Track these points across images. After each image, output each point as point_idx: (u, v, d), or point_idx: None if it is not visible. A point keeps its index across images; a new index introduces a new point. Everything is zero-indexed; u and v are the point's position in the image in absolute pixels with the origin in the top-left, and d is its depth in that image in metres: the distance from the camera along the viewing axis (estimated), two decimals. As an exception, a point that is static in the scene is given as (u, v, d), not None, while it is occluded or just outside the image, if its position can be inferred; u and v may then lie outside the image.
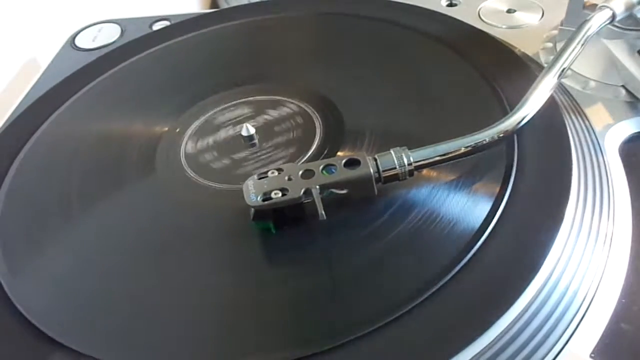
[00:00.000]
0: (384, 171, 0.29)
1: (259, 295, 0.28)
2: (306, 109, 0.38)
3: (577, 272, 0.28)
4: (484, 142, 0.30)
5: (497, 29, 0.46)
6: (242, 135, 0.36)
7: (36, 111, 0.43)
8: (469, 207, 0.30)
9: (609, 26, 0.37)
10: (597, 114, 0.37)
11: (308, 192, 0.29)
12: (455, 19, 0.44)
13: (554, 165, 0.31)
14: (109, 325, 0.28)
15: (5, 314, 0.29)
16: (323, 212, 0.28)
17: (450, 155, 0.30)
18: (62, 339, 0.27)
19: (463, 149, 0.30)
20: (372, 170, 0.29)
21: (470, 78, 0.38)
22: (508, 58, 0.40)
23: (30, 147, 0.40)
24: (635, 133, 0.36)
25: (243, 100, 0.40)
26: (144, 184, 0.36)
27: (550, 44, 0.43)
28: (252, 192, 0.29)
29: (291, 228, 0.30)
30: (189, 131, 0.39)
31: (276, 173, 0.30)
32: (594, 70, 0.39)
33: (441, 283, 0.26)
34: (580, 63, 0.39)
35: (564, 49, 0.34)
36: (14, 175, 0.38)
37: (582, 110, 0.37)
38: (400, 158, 0.29)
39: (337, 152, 0.35)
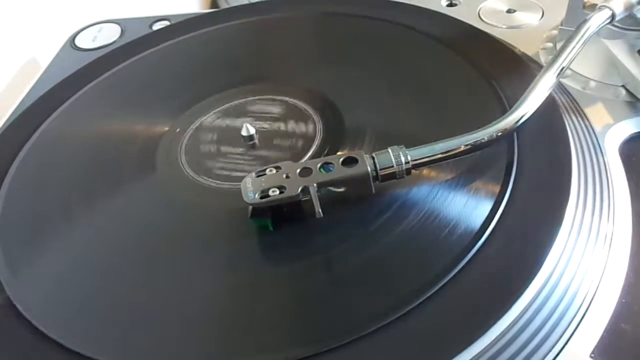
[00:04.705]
0: (381, 169, 0.29)
1: (259, 295, 0.28)
2: (306, 108, 0.38)
3: (577, 272, 0.28)
4: (483, 141, 0.30)
5: (497, 29, 0.46)
6: (242, 135, 0.36)
7: (36, 111, 0.43)
8: (469, 207, 0.30)
9: (609, 26, 0.37)
10: (597, 114, 0.37)
11: (305, 190, 0.29)
12: (455, 19, 0.44)
13: (554, 165, 0.31)
14: (109, 326, 0.28)
15: (5, 314, 0.29)
16: (320, 210, 0.28)
17: (448, 153, 0.30)
18: (62, 339, 0.27)
19: (462, 147, 0.30)
20: (369, 169, 0.29)
21: (470, 78, 0.38)
22: (508, 58, 0.40)
23: (30, 147, 0.40)
24: (635, 133, 0.36)
25: (243, 100, 0.40)
26: (144, 184, 0.36)
27: (550, 44, 0.43)
28: (250, 189, 0.29)
29: (289, 225, 0.30)
30: (189, 131, 0.39)
31: (274, 171, 0.30)
32: (594, 70, 0.39)
33: (441, 283, 0.26)
34: (580, 63, 0.39)
35: (563, 48, 0.34)
36: (14, 175, 0.38)
37: (582, 110, 0.37)
38: (397, 156, 0.29)
39: (337, 152, 0.34)
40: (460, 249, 0.27)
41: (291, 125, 0.37)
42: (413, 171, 0.30)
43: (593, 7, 0.38)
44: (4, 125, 0.44)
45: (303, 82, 0.41)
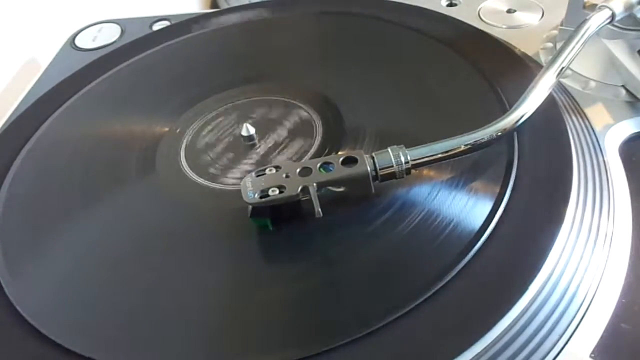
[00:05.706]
0: (381, 169, 0.29)
1: (259, 295, 0.28)
2: (306, 109, 0.38)
3: (577, 272, 0.28)
4: (482, 141, 0.30)
5: (497, 29, 0.46)
6: (242, 135, 0.36)
7: (36, 111, 0.43)
8: (469, 207, 0.30)
9: (609, 26, 0.37)
10: (597, 114, 0.37)
11: (305, 190, 0.29)
12: (455, 19, 0.44)
13: (554, 165, 0.31)
14: (109, 326, 0.28)
15: (5, 315, 0.29)
16: (319, 210, 0.28)
17: (448, 153, 0.30)
18: (62, 340, 0.27)
19: (462, 147, 0.30)
20: (369, 168, 0.29)
21: (470, 78, 0.38)
22: (508, 58, 0.40)
23: (30, 147, 0.40)
24: (635, 133, 0.36)
25: (243, 100, 0.40)
26: (144, 184, 0.36)
27: (550, 44, 0.43)
28: (250, 189, 0.29)
29: (289, 225, 0.30)
30: (189, 131, 0.39)
31: (274, 170, 0.30)
32: (594, 70, 0.39)
33: (442, 283, 0.26)
34: (580, 63, 0.39)
35: (562, 48, 0.34)
36: (14, 176, 0.38)
37: (582, 110, 0.37)
38: (397, 156, 0.29)
39: (337, 153, 0.34)
40: (460, 249, 0.27)
41: (291, 125, 0.37)
42: (413, 171, 0.30)
43: (593, 7, 0.38)
44: (4, 125, 0.44)
45: (303, 82, 0.41)
